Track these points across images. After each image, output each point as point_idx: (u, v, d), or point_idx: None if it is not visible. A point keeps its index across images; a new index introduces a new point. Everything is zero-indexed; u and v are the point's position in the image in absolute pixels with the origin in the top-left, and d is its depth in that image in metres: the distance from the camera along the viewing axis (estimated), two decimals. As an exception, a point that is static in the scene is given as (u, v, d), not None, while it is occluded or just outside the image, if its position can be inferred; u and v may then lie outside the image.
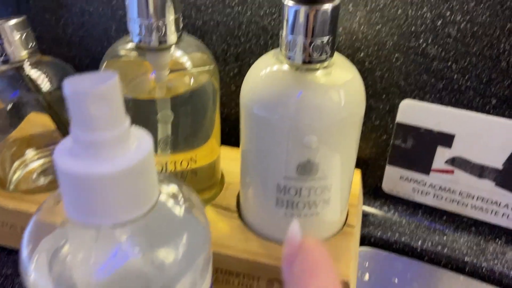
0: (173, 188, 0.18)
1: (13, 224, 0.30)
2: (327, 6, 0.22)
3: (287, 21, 0.23)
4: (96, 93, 0.13)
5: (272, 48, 0.33)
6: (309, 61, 0.23)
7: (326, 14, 0.22)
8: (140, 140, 0.15)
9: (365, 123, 0.33)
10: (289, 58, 0.24)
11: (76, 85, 0.13)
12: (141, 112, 0.28)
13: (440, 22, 0.27)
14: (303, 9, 0.22)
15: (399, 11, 0.28)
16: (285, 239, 0.18)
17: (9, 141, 0.34)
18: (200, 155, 0.29)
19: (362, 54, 0.30)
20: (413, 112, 0.31)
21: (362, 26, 0.30)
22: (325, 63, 0.24)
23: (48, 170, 0.35)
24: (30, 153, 0.35)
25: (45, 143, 0.35)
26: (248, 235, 0.28)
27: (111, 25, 0.39)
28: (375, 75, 0.31)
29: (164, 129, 0.27)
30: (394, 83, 0.31)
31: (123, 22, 0.38)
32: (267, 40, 0.33)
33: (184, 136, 0.28)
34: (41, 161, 0.35)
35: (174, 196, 0.18)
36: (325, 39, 0.23)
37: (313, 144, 0.24)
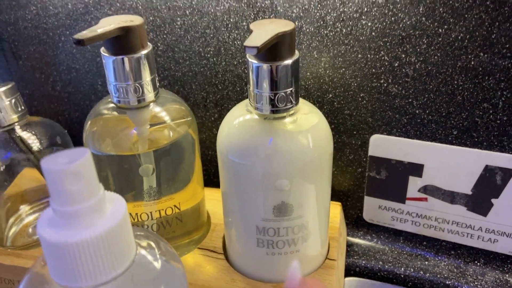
0: (148, 241, 0.19)
1: (10, 279, 0.32)
2: (288, 61, 0.24)
3: (252, 76, 0.25)
4: (70, 170, 0.15)
5: (246, 95, 0.35)
6: (276, 111, 0.25)
7: (287, 68, 0.24)
8: (114, 204, 0.17)
9: (340, 158, 0.35)
10: (257, 109, 0.26)
11: (52, 163, 0.15)
12: (125, 166, 0.29)
13: (397, 63, 0.30)
14: (265, 66, 0.24)
15: (359, 55, 0.30)
16: (284, 277, 0.19)
17: (4, 198, 0.35)
18: (183, 200, 0.31)
19: (330, 96, 0.33)
20: (383, 145, 0.33)
21: (328, 70, 0.32)
22: (291, 111, 0.26)
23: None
24: (24, 208, 0.36)
25: (38, 198, 0.37)
26: (234, 275, 0.30)
27: (97, 80, 0.41)
28: (345, 114, 0.33)
29: (148, 181, 0.29)
30: (363, 120, 0.33)
31: (108, 76, 0.40)
32: (242, 86, 0.35)
33: (167, 184, 0.30)
34: (35, 215, 0.36)
35: (150, 248, 0.19)
36: (289, 90, 0.25)
37: (285, 187, 0.25)
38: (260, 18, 0.32)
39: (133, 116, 0.28)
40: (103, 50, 0.27)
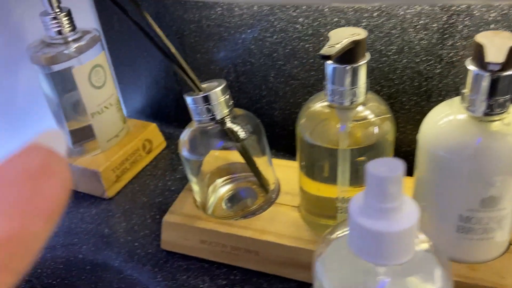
0: (423, 244, 0.23)
1: (224, 244, 0.38)
2: (510, 72, 0.27)
3: (472, 83, 0.28)
4: (394, 178, 0.19)
5: (425, 90, 0.38)
6: (489, 114, 0.28)
7: (508, 78, 0.27)
8: (410, 208, 0.21)
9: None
10: (469, 110, 0.29)
11: (379, 170, 0.19)
12: (323, 156, 0.34)
13: None
14: (487, 76, 0.27)
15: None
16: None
17: (206, 172, 0.42)
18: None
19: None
20: None
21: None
22: (504, 115, 0.28)
23: (233, 198, 0.43)
24: (218, 180, 0.43)
25: (226, 174, 0.43)
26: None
27: (270, 72, 0.46)
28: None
29: (345, 169, 0.34)
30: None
31: (282, 69, 0.45)
32: (421, 82, 0.38)
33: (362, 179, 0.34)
34: (228, 187, 0.43)
35: (425, 249, 0.23)
36: (507, 97, 0.27)
37: (497, 183, 0.28)
38: (453, 21, 0.34)
39: (341, 114, 0.33)
40: (325, 58, 0.31)
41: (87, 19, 0.55)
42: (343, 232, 0.24)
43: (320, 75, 0.43)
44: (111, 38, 0.55)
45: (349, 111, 0.32)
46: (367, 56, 0.30)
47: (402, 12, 0.36)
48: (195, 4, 0.47)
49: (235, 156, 0.40)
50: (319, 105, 0.33)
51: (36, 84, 0.48)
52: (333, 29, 0.38)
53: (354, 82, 0.30)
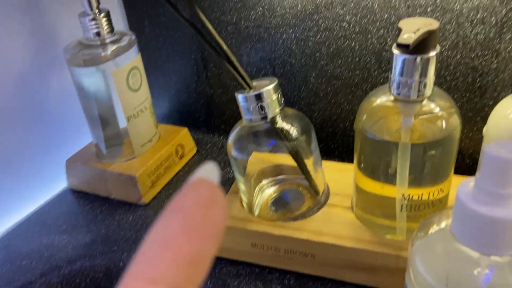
0: None
1: (277, 247, 0.37)
2: None
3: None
4: (515, 162, 0.18)
5: (479, 86, 0.37)
6: None
7: None
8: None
9: None
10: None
11: (500, 152, 0.18)
12: (385, 150, 0.33)
13: None
14: None
15: None
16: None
17: (253, 173, 0.41)
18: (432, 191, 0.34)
19: None
20: None
21: None
22: None
23: (279, 200, 0.42)
24: (264, 181, 0.42)
25: (270, 175, 0.42)
26: None
27: (311, 73, 0.45)
28: None
29: (405, 166, 0.32)
30: None
31: (324, 69, 0.44)
32: (475, 77, 0.38)
33: (420, 176, 0.33)
34: (273, 188, 0.42)
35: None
36: None
37: None
38: (514, 13, 0.34)
39: (405, 108, 0.32)
40: (394, 47, 0.30)
41: (117, 22, 0.54)
42: (440, 219, 0.23)
43: (365, 74, 0.42)
44: (140, 41, 0.54)
45: (414, 104, 0.31)
46: (438, 48, 0.30)
47: (458, 6, 0.35)
48: (234, 5, 0.46)
49: (282, 157, 0.39)
50: (381, 99, 0.32)
51: (68, 87, 0.47)
52: (383, 26, 0.38)
53: (423, 74, 0.30)
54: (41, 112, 0.48)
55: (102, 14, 0.42)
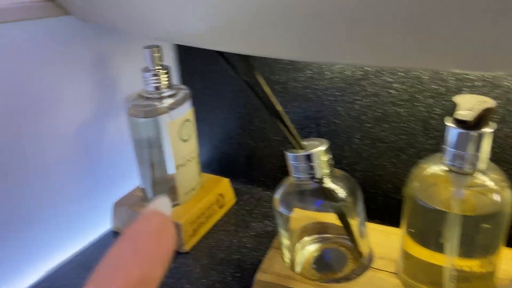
0: None
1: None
2: None
3: None
4: None
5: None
6: None
7: None
8: None
9: None
10: None
11: None
12: (434, 218, 0.33)
13: None
14: None
15: None
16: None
17: (296, 229, 0.41)
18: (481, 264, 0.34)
19: None
20: None
21: None
22: None
23: (321, 259, 0.42)
24: (306, 238, 0.42)
25: (313, 232, 0.43)
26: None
27: (355, 134, 0.47)
28: None
29: (455, 236, 0.33)
30: None
31: (369, 132, 0.46)
32: (523, 151, 0.38)
33: (470, 248, 0.33)
34: (315, 246, 0.42)
35: None
36: None
37: None
38: None
39: (457, 179, 0.33)
40: (449, 120, 0.31)
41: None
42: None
43: (412, 139, 0.43)
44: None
45: (466, 176, 0.32)
46: (493, 125, 0.31)
47: (507, 84, 0.37)
48: (284, 67, 0.49)
49: (325, 215, 0.40)
50: (434, 168, 0.33)
51: (123, 134, 0.49)
52: (432, 96, 0.39)
53: (478, 148, 0.31)
54: (95, 156, 0.51)
55: (164, 71, 0.45)
